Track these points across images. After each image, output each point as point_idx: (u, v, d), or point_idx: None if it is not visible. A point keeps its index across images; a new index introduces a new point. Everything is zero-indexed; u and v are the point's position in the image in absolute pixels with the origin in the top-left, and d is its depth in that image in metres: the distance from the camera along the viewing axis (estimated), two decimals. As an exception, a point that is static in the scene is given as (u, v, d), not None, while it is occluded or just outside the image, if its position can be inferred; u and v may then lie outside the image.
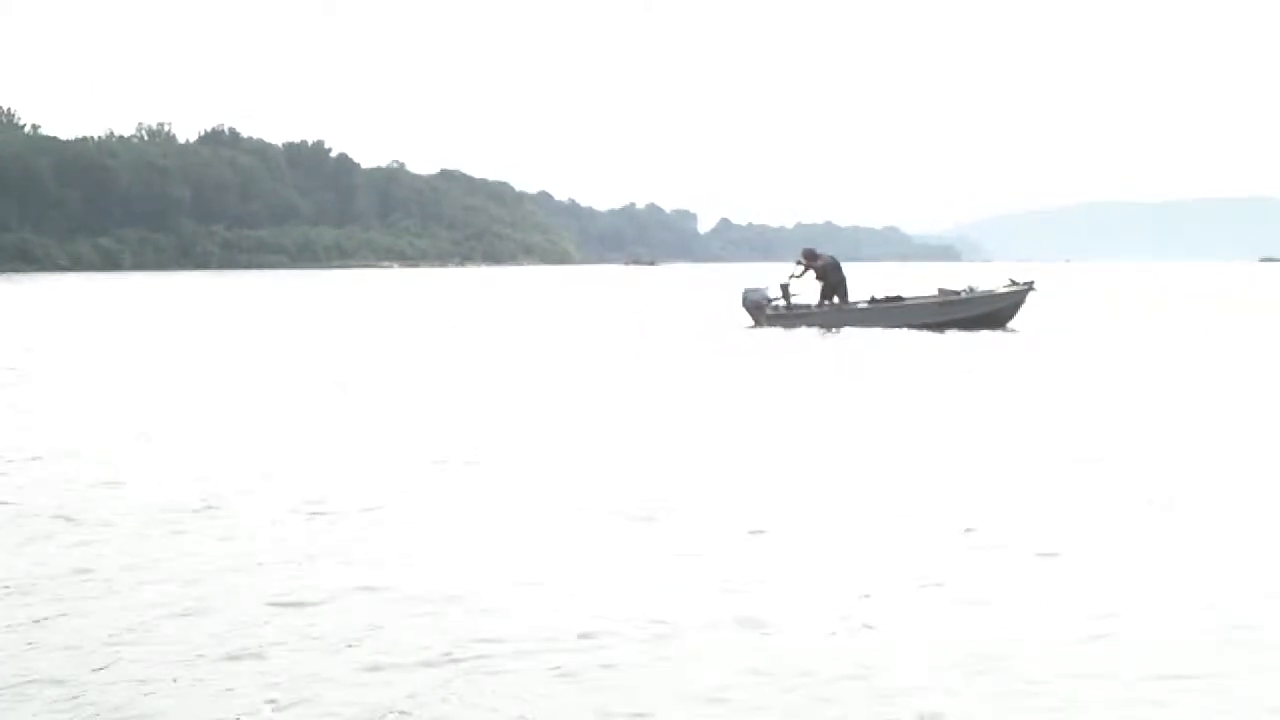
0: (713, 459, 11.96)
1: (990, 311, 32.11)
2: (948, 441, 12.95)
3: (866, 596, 7.21)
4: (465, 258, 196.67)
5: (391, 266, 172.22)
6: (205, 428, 14.57)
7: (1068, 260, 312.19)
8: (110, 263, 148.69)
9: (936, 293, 33.20)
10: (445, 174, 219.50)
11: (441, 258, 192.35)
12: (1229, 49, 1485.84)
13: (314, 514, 9.48)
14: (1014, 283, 32.99)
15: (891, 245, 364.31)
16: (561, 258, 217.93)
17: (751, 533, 8.81)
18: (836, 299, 33.68)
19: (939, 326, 31.34)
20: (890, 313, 32.64)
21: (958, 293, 32.65)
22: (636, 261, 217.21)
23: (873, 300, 33.67)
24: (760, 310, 34.31)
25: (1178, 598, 7.22)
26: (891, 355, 24.43)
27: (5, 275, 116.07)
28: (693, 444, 12.87)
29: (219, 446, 13.01)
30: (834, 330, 31.59)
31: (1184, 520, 9.22)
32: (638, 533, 8.86)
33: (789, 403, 16.79)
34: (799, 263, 34.38)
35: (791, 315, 33.65)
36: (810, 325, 32.66)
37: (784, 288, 34.25)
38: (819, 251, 34.86)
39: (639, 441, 13.05)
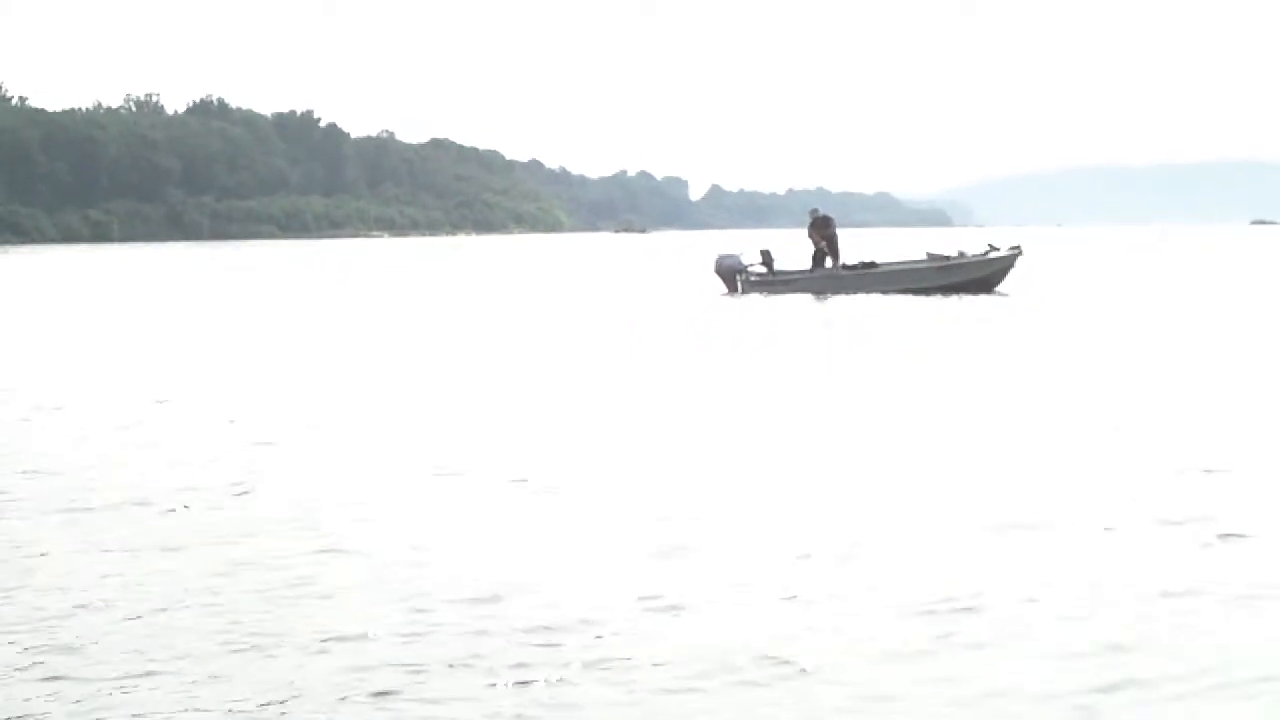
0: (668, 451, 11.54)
1: (980, 277, 32.05)
2: (952, 419, 12.92)
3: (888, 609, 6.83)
4: (455, 227, 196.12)
5: (381, 236, 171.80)
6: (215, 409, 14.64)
7: (1059, 225, 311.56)
8: (100, 234, 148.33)
9: (925, 257, 33.12)
10: (435, 143, 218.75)
11: (432, 227, 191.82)
12: (1219, 12, 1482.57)
13: (301, 507, 9.14)
14: (992, 247, 32.88)
15: (883, 211, 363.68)
16: (552, 226, 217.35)
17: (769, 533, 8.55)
18: (830, 262, 33.41)
19: (928, 292, 31.23)
20: (880, 278, 32.45)
21: (948, 258, 32.59)
22: (628, 229, 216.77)
23: (844, 267, 33.34)
24: (734, 277, 33.70)
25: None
26: (883, 327, 24.29)
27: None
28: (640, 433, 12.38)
29: (226, 430, 13.13)
30: (822, 297, 31.18)
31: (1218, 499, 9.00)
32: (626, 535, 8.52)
33: (790, 383, 16.49)
34: (814, 237, 33.31)
35: (775, 282, 33.20)
36: (796, 292, 32.23)
37: (765, 253, 33.83)
38: (823, 212, 34.17)
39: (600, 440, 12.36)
